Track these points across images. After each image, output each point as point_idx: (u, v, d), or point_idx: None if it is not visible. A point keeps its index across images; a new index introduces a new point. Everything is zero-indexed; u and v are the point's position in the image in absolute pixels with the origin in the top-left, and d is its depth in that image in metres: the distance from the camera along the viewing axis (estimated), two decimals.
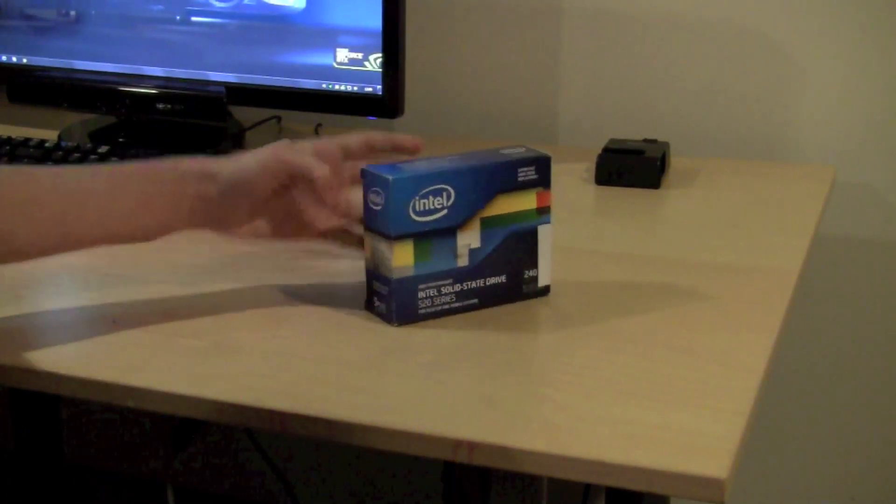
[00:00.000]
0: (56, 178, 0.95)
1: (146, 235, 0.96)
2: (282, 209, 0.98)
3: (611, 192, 1.29)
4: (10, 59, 1.48)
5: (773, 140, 1.45)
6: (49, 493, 1.74)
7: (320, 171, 0.94)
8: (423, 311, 0.93)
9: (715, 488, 0.71)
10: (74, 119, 1.49)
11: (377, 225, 0.92)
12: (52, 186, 0.94)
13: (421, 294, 0.93)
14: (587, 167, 1.33)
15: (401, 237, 0.91)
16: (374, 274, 0.94)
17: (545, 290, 0.98)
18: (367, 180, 0.92)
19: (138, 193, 0.94)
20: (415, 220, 0.91)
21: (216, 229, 0.97)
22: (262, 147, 0.97)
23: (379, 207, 0.91)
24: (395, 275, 0.92)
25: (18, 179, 0.93)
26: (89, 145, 1.24)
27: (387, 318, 0.93)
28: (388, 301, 0.93)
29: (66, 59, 1.45)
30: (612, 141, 1.35)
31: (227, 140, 1.44)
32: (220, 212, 0.96)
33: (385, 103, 1.34)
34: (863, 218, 1.44)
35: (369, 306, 0.95)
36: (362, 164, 0.94)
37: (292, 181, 0.96)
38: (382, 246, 0.92)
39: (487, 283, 0.95)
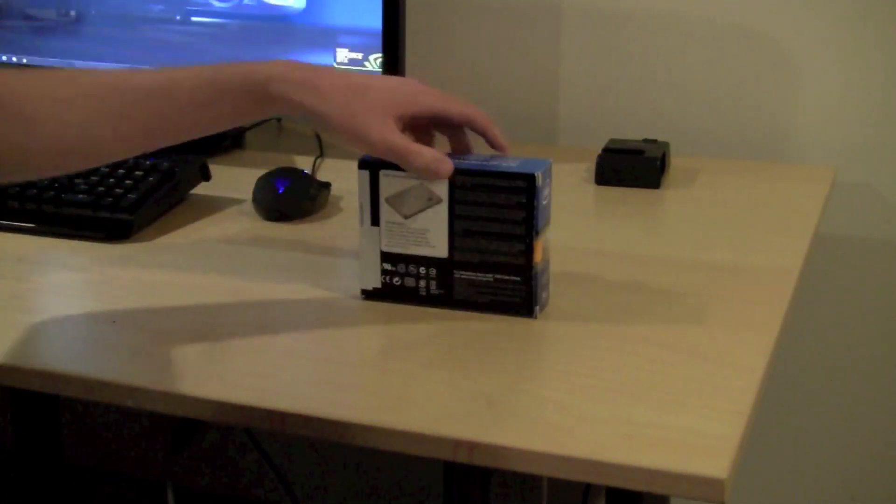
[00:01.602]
0: (154, 87, 0.89)
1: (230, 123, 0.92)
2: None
3: (611, 192, 1.29)
4: (10, 59, 1.48)
5: (773, 140, 1.45)
6: (49, 493, 1.74)
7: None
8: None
9: (715, 488, 0.71)
10: None
11: (546, 220, 0.94)
12: (150, 92, 0.89)
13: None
14: (587, 167, 1.33)
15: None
16: (544, 272, 0.95)
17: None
18: (542, 184, 0.92)
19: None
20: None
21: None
22: (377, 91, 0.92)
23: (547, 201, 0.94)
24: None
25: (111, 90, 0.88)
26: None
27: (546, 303, 0.95)
28: (548, 287, 0.95)
29: (66, 59, 1.45)
30: (612, 141, 1.35)
31: (227, 140, 1.44)
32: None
33: None
34: (863, 218, 1.44)
35: (541, 309, 0.94)
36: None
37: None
38: (549, 236, 0.95)
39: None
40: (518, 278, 0.92)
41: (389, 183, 0.94)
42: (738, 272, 1.05)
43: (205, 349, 0.90)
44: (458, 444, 0.76)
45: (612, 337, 0.91)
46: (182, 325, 0.93)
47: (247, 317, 0.96)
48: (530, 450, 0.75)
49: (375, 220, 0.95)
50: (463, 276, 0.94)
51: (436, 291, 0.95)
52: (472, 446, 0.76)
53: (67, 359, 0.88)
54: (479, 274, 0.93)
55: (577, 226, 1.18)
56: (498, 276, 0.93)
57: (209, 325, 0.94)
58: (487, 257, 0.93)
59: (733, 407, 0.79)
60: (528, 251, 0.92)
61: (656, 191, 1.29)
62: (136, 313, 0.95)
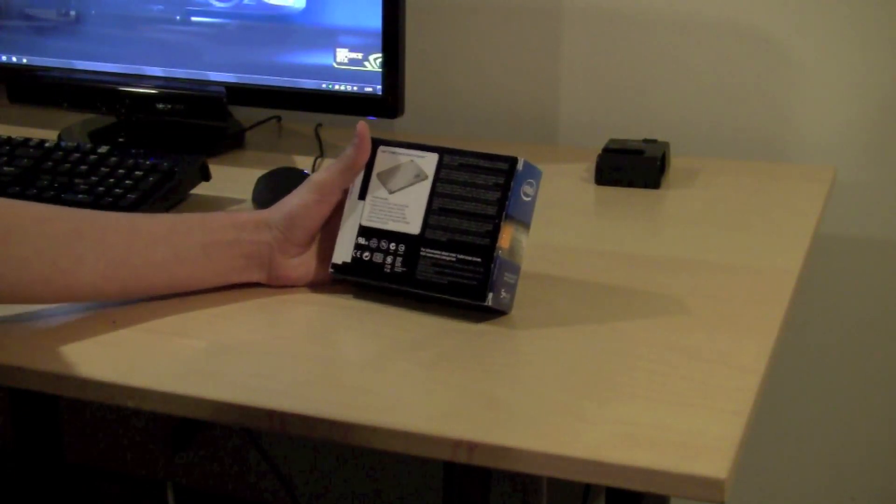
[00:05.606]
0: (121, 217, 0.96)
1: (203, 283, 0.97)
2: (328, 245, 0.98)
3: (611, 192, 1.29)
4: (10, 59, 1.48)
5: (773, 140, 1.45)
6: (49, 493, 1.74)
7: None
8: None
9: (715, 488, 0.71)
10: (74, 119, 1.49)
11: (523, 216, 0.94)
12: (119, 220, 0.95)
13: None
14: (587, 167, 1.33)
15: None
16: (509, 265, 0.94)
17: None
18: (523, 172, 0.93)
19: (198, 240, 0.95)
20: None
21: (270, 278, 0.98)
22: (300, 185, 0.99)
23: (529, 199, 0.94)
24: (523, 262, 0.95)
25: (88, 213, 0.95)
26: (89, 145, 1.24)
27: (507, 307, 0.94)
28: (513, 291, 0.94)
29: (66, 59, 1.45)
30: (612, 141, 1.35)
31: (227, 140, 1.44)
32: (275, 257, 0.97)
33: (385, 103, 1.34)
34: (863, 218, 1.44)
35: (495, 301, 0.93)
36: None
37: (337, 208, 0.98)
38: (522, 236, 0.94)
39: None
40: (479, 259, 0.92)
41: (384, 159, 0.97)
42: (738, 272, 1.05)
43: (205, 349, 0.90)
44: (458, 444, 0.76)
45: (611, 337, 0.91)
46: (182, 325, 0.93)
47: (247, 316, 0.96)
48: (530, 450, 0.75)
49: (363, 195, 0.97)
50: (428, 255, 0.94)
51: (399, 269, 0.95)
52: (472, 446, 0.76)
53: (67, 359, 0.88)
54: (444, 253, 0.94)
55: (577, 226, 1.18)
56: (461, 257, 0.93)
57: (209, 324, 0.94)
58: (456, 236, 0.93)
59: (733, 407, 0.79)
60: (495, 232, 0.92)
61: (656, 191, 1.29)
62: (136, 313, 0.95)
